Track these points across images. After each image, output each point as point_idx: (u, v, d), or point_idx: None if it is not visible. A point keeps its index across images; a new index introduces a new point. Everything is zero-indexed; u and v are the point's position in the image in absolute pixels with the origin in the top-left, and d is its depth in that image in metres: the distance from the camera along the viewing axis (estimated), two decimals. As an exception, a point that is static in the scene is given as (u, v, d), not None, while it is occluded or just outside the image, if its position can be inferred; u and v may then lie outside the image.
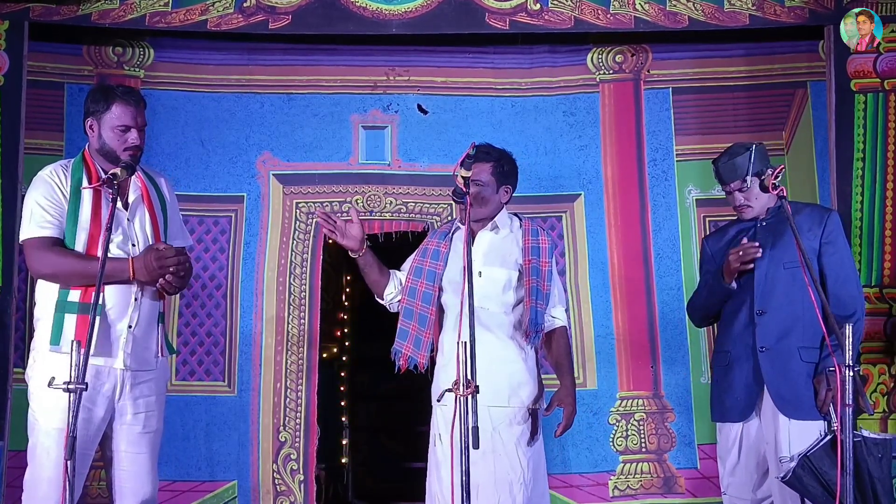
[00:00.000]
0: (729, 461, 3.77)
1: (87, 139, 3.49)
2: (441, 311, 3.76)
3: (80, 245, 3.34)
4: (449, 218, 4.82)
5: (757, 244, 3.64)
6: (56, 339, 3.26)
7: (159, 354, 3.47)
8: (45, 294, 3.37)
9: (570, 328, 4.76)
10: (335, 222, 3.67)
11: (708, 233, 4.62)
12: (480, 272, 3.66)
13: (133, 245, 3.41)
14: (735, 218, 3.92)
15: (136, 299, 3.37)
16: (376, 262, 3.77)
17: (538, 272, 3.67)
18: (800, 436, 3.53)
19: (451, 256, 3.72)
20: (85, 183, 3.38)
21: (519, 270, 3.70)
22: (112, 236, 3.33)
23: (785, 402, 3.60)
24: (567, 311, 3.85)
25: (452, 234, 3.78)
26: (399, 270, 3.87)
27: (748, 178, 3.66)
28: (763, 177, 3.63)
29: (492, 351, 3.58)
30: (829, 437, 3.33)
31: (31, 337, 3.51)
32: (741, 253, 3.64)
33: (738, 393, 3.72)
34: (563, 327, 3.79)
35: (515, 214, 3.88)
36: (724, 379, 3.78)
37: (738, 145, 3.80)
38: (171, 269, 3.33)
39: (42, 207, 3.37)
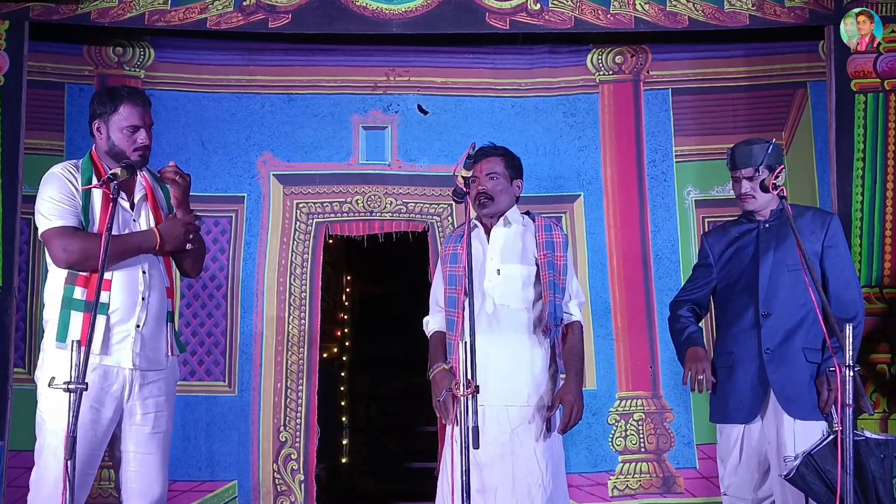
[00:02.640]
0: (730, 461, 3.77)
1: (89, 140, 3.49)
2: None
3: None
4: (449, 218, 4.83)
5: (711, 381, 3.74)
6: (62, 336, 3.24)
7: (169, 353, 3.46)
8: (53, 293, 3.36)
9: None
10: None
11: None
12: (499, 269, 3.65)
13: None
14: (734, 218, 3.93)
15: (143, 298, 3.36)
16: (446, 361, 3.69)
17: (554, 266, 3.65)
18: (805, 435, 3.53)
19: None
20: (94, 182, 3.38)
21: (536, 265, 3.70)
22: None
23: (790, 402, 3.61)
24: (581, 305, 3.80)
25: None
26: (433, 306, 3.83)
27: (761, 167, 3.68)
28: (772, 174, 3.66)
29: (512, 350, 3.59)
30: (832, 437, 3.33)
31: (32, 337, 3.50)
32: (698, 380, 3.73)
33: (742, 395, 3.71)
34: (577, 323, 3.74)
35: (527, 212, 3.88)
36: (727, 381, 3.77)
37: (757, 139, 3.82)
38: (191, 235, 3.41)
39: (57, 201, 3.35)
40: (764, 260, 3.72)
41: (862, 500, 3.24)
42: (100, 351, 3.28)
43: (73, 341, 3.05)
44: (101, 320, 3.27)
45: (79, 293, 3.30)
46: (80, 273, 3.30)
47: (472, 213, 3.66)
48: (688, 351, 3.80)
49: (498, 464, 3.48)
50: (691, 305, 3.94)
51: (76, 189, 3.37)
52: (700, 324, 3.96)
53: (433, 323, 3.79)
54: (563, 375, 3.70)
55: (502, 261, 3.66)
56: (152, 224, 3.45)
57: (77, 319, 3.27)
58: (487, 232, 3.73)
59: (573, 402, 3.57)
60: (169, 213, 3.53)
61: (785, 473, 3.40)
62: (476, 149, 3.35)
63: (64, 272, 3.33)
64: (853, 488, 3.17)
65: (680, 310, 3.95)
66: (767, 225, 3.77)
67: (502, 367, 3.48)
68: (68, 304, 3.30)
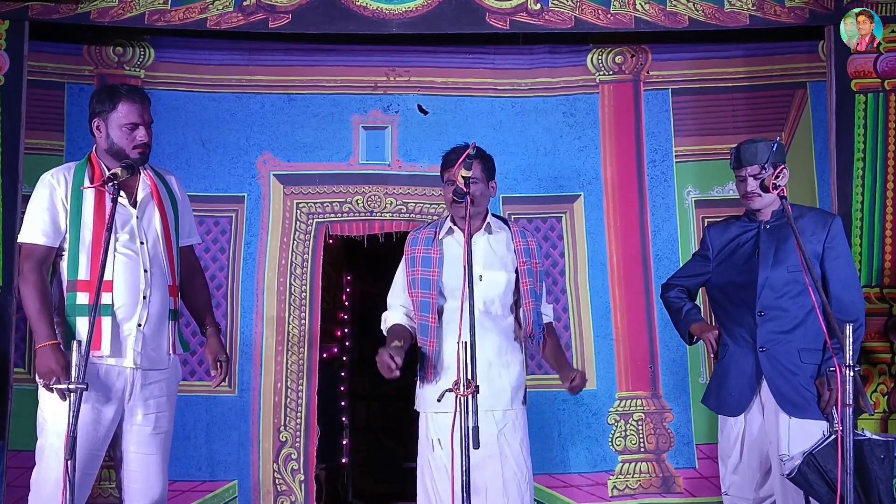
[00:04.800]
0: (731, 460, 3.78)
1: (89, 140, 3.49)
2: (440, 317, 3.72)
3: (84, 245, 3.33)
4: (449, 218, 4.82)
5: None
6: (69, 344, 3.23)
7: (171, 352, 3.46)
8: (57, 299, 3.37)
9: (571, 327, 4.80)
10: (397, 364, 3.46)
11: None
12: (481, 276, 3.65)
13: (141, 243, 3.39)
14: (738, 215, 3.93)
15: (144, 297, 3.36)
16: (403, 342, 3.66)
17: (532, 273, 3.69)
18: (800, 434, 3.56)
19: (446, 262, 3.68)
20: (86, 184, 3.38)
21: (515, 272, 3.71)
22: (118, 235, 3.33)
23: (786, 400, 3.63)
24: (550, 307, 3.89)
25: (442, 238, 3.76)
26: (389, 308, 3.80)
27: (766, 165, 3.68)
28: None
29: (496, 354, 3.60)
30: (833, 436, 3.34)
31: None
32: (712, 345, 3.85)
33: (731, 389, 3.75)
34: (551, 323, 3.84)
35: (496, 215, 3.88)
36: (721, 372, 3.82)
37: (761, 138, 3.84)
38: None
39: (37, 213, 3.38)
40: (763, 260, 3.73)
41: (864, 501, 3.24)
42: (110, 353, 3.28)
43: (75, 342, 3.05)
44: (107, 321, 3.27)
45: (81, 298, 3.30)
46: (80, 279, 3.31)
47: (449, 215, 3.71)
48: (692, 326, 3.90)
49: (488, 464, 3.49)
50: (683, 288, 4.01)
51: (62, 197, 3.36)
52: (697, 302, 4.05)
53: (392, 317, 3.77)
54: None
55: (484, 267, 3.66)
56: (157, 222, 3.44)
57: (83, 325, 3.27)
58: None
59: (582, 376, 3.61)
60: (174, 214, 3.53)
61: (787, 472, 3.41)
62: (475, 149, 3.35)
63: (64, 280, 3.34)
64: (856, 488, 3.18)
65: (672, 291, 4.03)
66: (768, 226, 3.78)
67: (486, 372, 3.49)
68: (72, 311, 3.32)
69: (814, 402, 3.63)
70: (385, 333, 3.76)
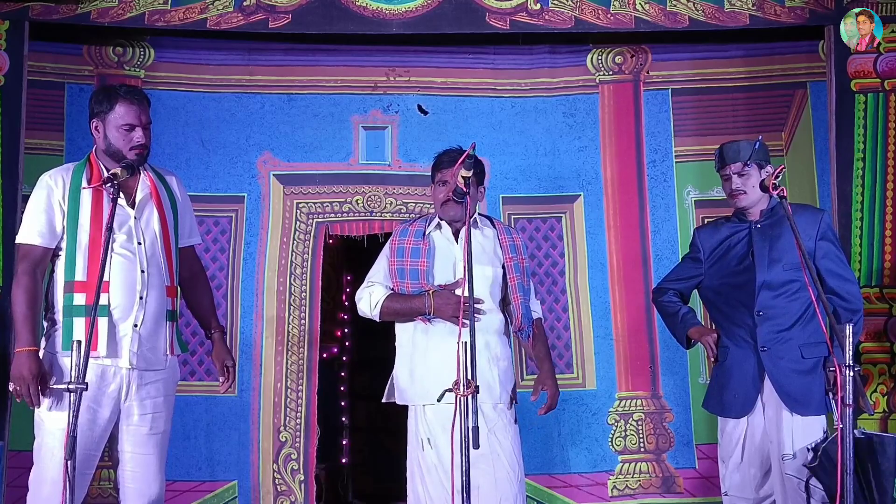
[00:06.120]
0: (732, 460, 3.77)
1: (89, 140, 3.49)
2: None
3: (81, 246, 3.33)
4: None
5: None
6: (67, 344, 3.24)
7: (168, 353, 3.46)
8: (58, 298, 3.37)
9: (571, 327, 4.81)
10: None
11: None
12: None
13: (139, 244, 3.39)
14: (727, 216, 3.93)
15: (141, 298, 3.36)
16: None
17: (520, 269, 3.73)
18: (804, 432, 3.57)
19: (437, 255, 3.71)
20: (85, 184, 3.38)
21: (502, 268, 3.72)
22: (115, 235, 3.32)
23: (791, 398, 3.62)
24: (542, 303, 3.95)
25: (430, 232, 3.76)
26: (372, 284, 3.77)
27: (750, 162, 3.69)
28: (763, 171, 3.68)
29: (485, 349, 3.62)
30: (861, 435, 3.39)
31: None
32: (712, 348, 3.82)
33: (735, 390, 3.74)
34: (540, 318, 3.88)
35: (481, 214, 3.89)
36: (722, 374, 3.80)
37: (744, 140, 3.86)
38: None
39: (34, 214, 3.38)
40: (759, 261, 3.73)
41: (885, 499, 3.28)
42: (106, 353, 3.28)
43: (75, 341, 3.05)
44: (103, 322, 3.27)
45: (78, 299, 3.30)
46: (77, 279, 3.31)
47: (446, 213, 3.71)
48: (690, 330, 3.89)
49: (480, 462, 3.49)
50: (676, 292, 4.00)
51: (59, 198, 3.37)
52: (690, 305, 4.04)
53: (379, 290, 3.73)
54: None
55: (475, 262, 3.66)
56: (155, 223, 3.44)
57: (80, 325, 3.27)
58: (455, 235, 3.73)
59: (555, 386, 3.77)
60: (173, 214, 3.53)
61: (808, 462, 3.43)
62: (473, 149, 3.35)
63: (62, 280, 3.34)
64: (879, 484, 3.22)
65: (665, 295, 4.02)
66: (759, 225, 3.78)
67: (479, 367, 3.49)
68: (69, 311, 3.31)
69: (817, 398, 3.62)
70: (371, 311, 3.73)
